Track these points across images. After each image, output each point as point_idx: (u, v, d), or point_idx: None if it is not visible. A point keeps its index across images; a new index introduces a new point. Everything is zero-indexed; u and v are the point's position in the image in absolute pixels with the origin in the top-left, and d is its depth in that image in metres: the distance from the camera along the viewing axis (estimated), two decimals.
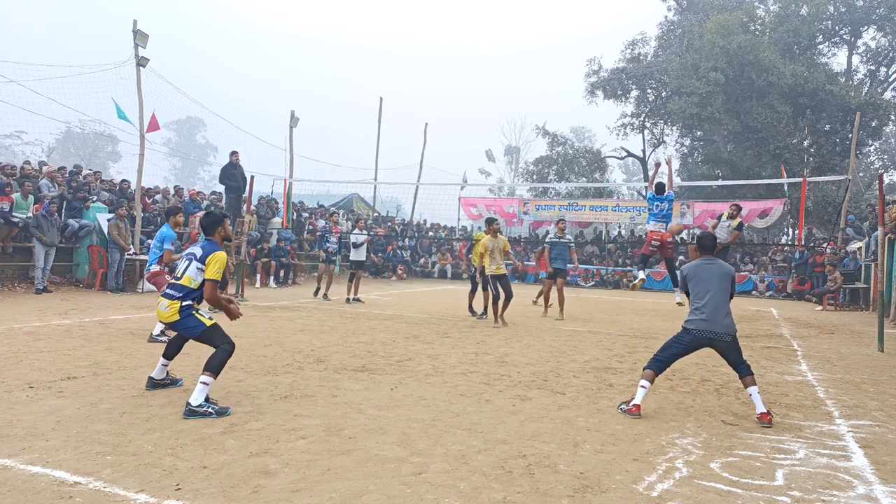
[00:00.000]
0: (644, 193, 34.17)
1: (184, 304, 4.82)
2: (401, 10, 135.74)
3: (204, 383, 4.48)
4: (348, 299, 13.38)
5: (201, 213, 15.38)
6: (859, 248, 17.85)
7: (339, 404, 4.89)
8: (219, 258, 4.77)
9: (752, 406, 5.29)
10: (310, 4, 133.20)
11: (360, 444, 3.93)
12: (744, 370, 4.96)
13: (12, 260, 12.51)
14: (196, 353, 6.09)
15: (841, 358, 8.19)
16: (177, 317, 4.82)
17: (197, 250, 4.92)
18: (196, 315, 4.83)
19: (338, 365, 6.46)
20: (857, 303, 16.81)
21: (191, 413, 4.38)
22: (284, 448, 3.80)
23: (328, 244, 13.88)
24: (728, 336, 4.96)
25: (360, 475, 3.40)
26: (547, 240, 13.01)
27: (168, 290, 4.91)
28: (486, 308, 11.40)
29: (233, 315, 4.95)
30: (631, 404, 4.92)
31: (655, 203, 9.67)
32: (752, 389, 4.92)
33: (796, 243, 22.07)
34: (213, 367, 4.56)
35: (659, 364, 5.06)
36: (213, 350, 4.72)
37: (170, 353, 5.18)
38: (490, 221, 10.62)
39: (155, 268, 7.71)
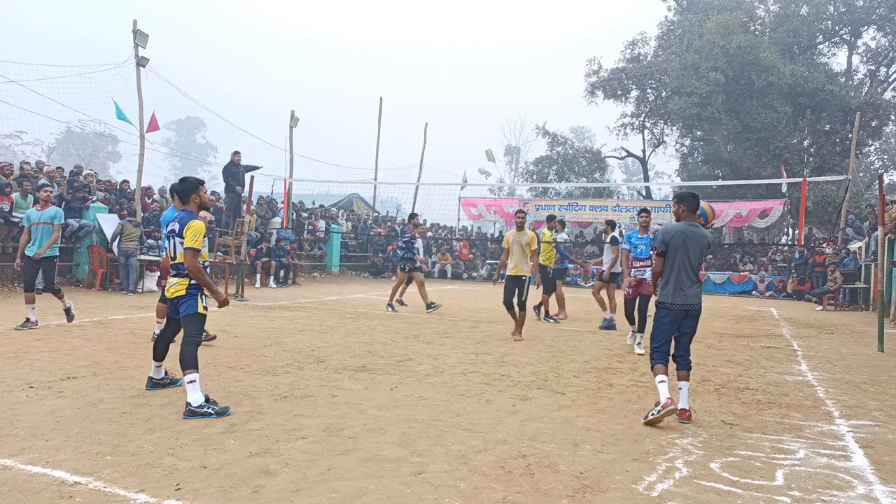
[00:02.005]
0: (643, 193, 34.18)
1: (192, 281, 4.81)
2: (401, 9, 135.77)
3: (191, 381, 4.50)
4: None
5: (203, 213, 15.38)
6: (859, 248, 17.85)
7: (339, 404, 4.89)
8: (194, 226, 4.73)
9: (751, 406, 5.32)
10: (310, 4, 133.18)
11: (360, 444, 3.93)
12: (683, 363, 4.98)
13: (12, 260, 12.50)
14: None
15: (841, 358, 8.19)
16: (183, 292, 4.80)
17: (175, 225, 4.89)
18: (199, 297, 4.82)
19: (338, 365, 6.46)
20: (857, 303, 16.82)
21: (191, 413, 4.40)
22: (284, 448, 3.80)
23: (416, 251, 12.66)
24: (699, 307, 5.00)
25: (360, 475, 3.40)
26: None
27: (174, 271, 4.91)
28: (540, 307, 11.35)
29: (219, 298, 4.90)
30: (662, 402, 4.63)
31: (636, 242, 8.30)
32: (684, 384, 4.94)
33: (796, 243, 22.07)
34: (190, 363, 4.56)
35: (663, 355, 4.97)
36: (183, 344, 4.71)
37: (159, 355, 5.15)
38: (517, 212, 9.14)
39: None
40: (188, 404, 4.42)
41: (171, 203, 7.09)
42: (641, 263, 8.10)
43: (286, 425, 4.27)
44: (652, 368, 4.94)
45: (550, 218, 11.94)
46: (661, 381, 4.80)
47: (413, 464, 3.61)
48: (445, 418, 4.60)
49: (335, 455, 3.71)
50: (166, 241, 4.98)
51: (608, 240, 10.70)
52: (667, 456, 3.92)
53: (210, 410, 4.42)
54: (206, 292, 4.86)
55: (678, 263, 4.94)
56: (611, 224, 11.00)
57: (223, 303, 4.95)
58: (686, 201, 5.10)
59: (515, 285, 8.77)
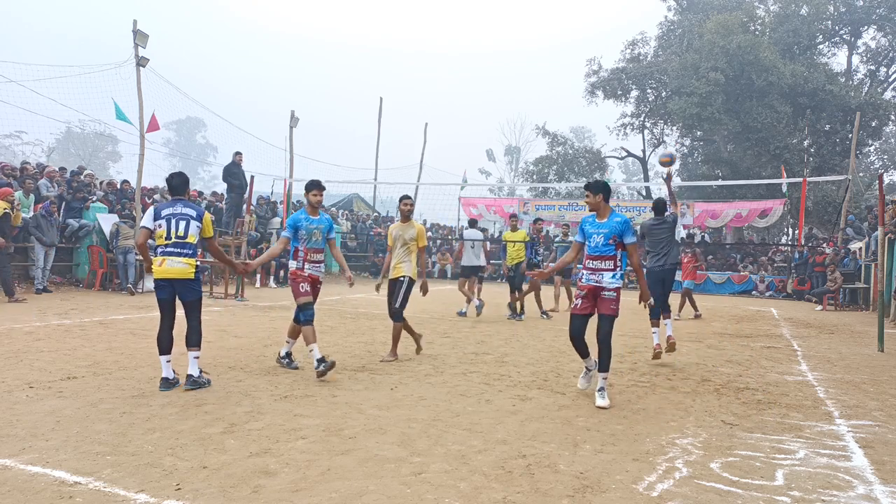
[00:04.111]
0: (643, 193, 34.14)
1: (197, 262, 5.35)
2: (401, 9, 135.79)
3: (196, 357, 5.27)
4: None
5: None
6: (859, 248, 17.85)
7: (339, 404, 4.89)
8: (209, 216, 5.50)
9: (751, 406, 5.32)
10: (310, 4, 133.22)
11: (360, 444, 3.93)
12: (665, 309, 7.43)
13: (12, 260, 12.50)
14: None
15: (841, 358, 8.19)
16: (192, 275, 5.25)
17: (188, 210, 5.35)
18: (199, 280, 5.40)
19: (338, 365, 6.46)
20: (857, 303, 16.82)
21: (193, 383, 5.12)
22: (284, 448, 3.80)
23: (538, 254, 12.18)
24: (673, 266, 7.47)
25: (360, 475, 3.40)
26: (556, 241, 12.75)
27: (176, 249, 5.22)
28: (521, 307, 11.37)
29: (238, 270, 5.96)
30: (654, 346, 7.20)
31: (591, 231, 5.38)
32: (668, 321, 7.51)
33: (796, 243, 22.06)
34: (197, 341, 5.28)
35: (655, 313, 7.25)
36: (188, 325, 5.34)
37: (167, 347, 5.29)
38: (402, 199, 7.24)
39: (291, 264, 6.24)
40: (190, 376, 5.15)
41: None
42: (598, 263, 5.25)
43: (286, 425, 4.27)
44: (653, 323, 7.33)
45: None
46: (654, 332, 7.24)
47: (413, 464, 3.60)
48: (445, 418, 4.60)
49: (335, 455, 3.71)
50: (169, 222, 5.25)
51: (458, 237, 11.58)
52: (667, 456, 3.92)
53: (204, 380, 5.27)
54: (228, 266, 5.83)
55: (654, 242, 7.49)
56: (472, 222, 12.47)
57: (246, 267, 6.12)
58: (654, 206, 7.75)
59: (394, 289, 7.02)
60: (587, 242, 5.39)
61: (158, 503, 2.97)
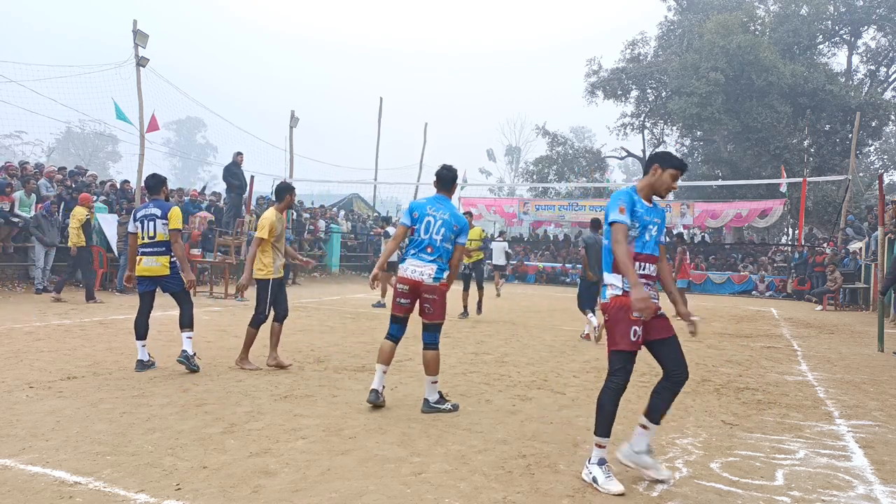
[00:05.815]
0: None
1: (172, 259, 5.70)
2: (401, 9, 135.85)
3: (189, 337, 5.64)
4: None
5: (203, 214, 15.41)
6: (859, 248, 17.86)
7: (339, 404, 4.89)
8: (176, 211, 5.73)
9: (751, 406, 5.32)
10: (310, 4, 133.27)
11: (360, 444, 3.93)
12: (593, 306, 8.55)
13: (12, 260, 12.50)
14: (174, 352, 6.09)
15: (841, 358, 8.19)
16: (167, 271, 5.66)
17: (154, 210, 5.69)
18: (179, 272, 5.74)
19: (338, 365, 6.46)
20: (857, 303, 16.82)
21: (186, 359, 5.54)
22: (284, 448, 3.80)
23: None
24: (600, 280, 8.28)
25: (360, 475, 3.40)
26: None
27: (150, 248, 5.64)
28: (465, 307, 11.35)
29: (188, 278, 5.72)
30: (584, 334, 8.98)
31: (647, 219, 3.49)
32: (593, 317, 8.52)
33: (796, 243, 22.06)
34: (190, 322, 5.67)
35: (587, 304, 8.78)
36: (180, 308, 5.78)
37: (142, 333, 5.73)
38: (284, 190, 6.28)
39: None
40: (184, 351, 5.58)
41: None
42: (650, 267, 3.55)
43: (286, 425, 4.27)
44: (584, 313, 8.89)
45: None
46: (589, 321, 8.77)
47: (413, 464, 3.60)
48: (445, 418, 4.60)
49: (335, 455, 3.71)
50: (142, 224, 5.69)
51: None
52: (667, 456, 3.92)
53: (193, 363, 5.58)
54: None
55: (591, 256, 8.71)
56: (387, 220, 13.61)
57: (191, 283, 5.78)
58: (592, 223, 9.30)
59: (275, 291, 6.28)
60: (637, 236, 3.47)
61: (158, 503, 2.97)
